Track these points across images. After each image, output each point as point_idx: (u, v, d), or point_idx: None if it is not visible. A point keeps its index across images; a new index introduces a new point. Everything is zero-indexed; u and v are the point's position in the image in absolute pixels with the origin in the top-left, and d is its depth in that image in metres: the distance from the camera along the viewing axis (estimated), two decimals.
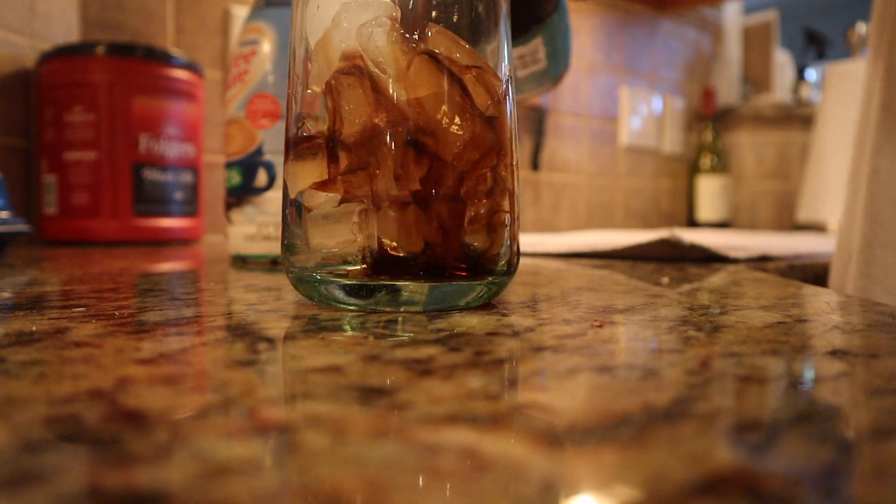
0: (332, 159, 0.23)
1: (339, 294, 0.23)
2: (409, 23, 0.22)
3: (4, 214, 0.49)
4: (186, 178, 0.71)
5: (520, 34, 0.38)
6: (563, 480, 0.09)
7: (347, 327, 0.20)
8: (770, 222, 1.54)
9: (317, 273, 0.23)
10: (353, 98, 0.22)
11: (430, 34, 0.22)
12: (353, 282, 0.22)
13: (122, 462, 0.09)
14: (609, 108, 1.43)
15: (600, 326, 0.20)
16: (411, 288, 0.22)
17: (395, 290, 0.22)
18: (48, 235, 0.67)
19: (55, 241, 0.66)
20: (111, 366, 0.15)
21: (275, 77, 0.41)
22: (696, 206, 1.55)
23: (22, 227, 0.50)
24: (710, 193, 1.52)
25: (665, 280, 0.35)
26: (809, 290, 0.32)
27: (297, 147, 0.24)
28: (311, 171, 0.23)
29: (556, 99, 1.32)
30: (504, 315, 0.22)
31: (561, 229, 1.32)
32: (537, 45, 0.38)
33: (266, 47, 0.42)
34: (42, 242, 0.67)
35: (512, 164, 0.25)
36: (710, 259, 0.50)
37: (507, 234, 0.24)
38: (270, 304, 0.25)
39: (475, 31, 0.24)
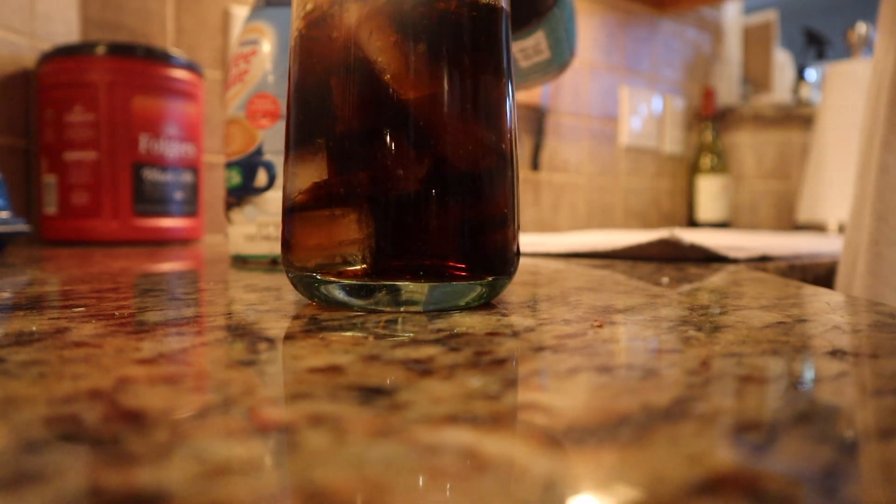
0: (333, 159, 0.23)
1: (339, 294, 0.23)
2: (408, 21, 0.22)
3: (4, 214, 0.49)
4: (186, 178, 0.71)
5: (521, 28, 0.38)
6: (563, 480, 0.09)
7: (347, 327, 0.20)
8: (770, 222, 1.54)
9: (317, 273, 0.23)
10: (352, 97, 0.22)
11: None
12: (353, 282, 0.22)
13: (122, 462, 0.09)
14: (609, 108, 1.43)
15: (600, 326, 0.20)
16: (411, 288, 0.22)
17: (395, 290, 0.22)
18: (48, 235, 0.67)
19: (55, 241, 0.66)
20: (111, 366, 0.15)
21: (275, 77, 0.41)
22: (696, 206, 1.55)
23: (22, 227, 0.50)
24: (710, 193, 1.52)
25: (665, 280, 0.35)
26: (809, 290, 0.32)
27: (297, 147, 0.24)
28: (311, 171, 0.23)
29: (556, 99, 1.32)
30: (504, 315, 0.22)
31: (561, 229, 1.32)
32: (539, 38, 0.38)
33: (266, 47, 0.42)
34: (42, 242, 0.67)
35: (512, 164, 0.25)
36: (710, 259, 0.50)
37: (506, 234, 0.24)
38: (270, 304, 0.25)
39: (475, 28, 0.24)
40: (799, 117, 1.51)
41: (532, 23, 0.38)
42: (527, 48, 0.39)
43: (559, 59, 0.41)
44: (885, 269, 0.49)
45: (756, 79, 1.69)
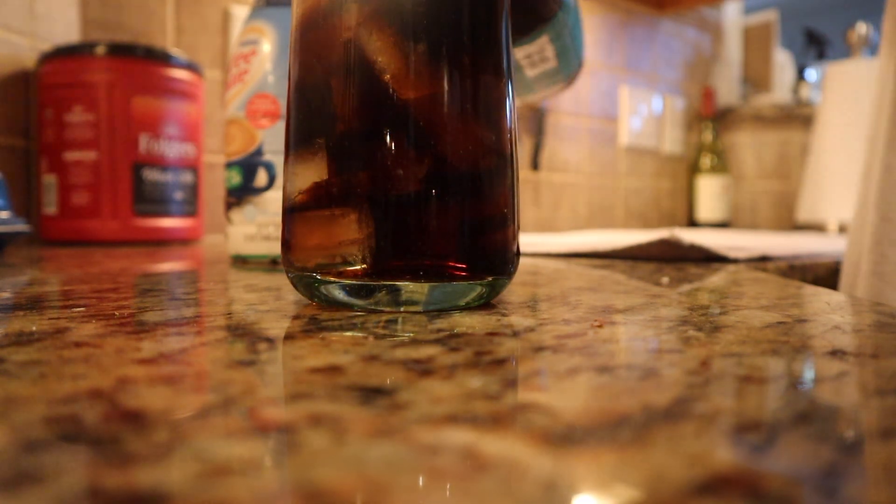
0: (333, 159, 0.23)
1: (339, 294, 0.23)
2: (408, 22, 0.22)
3: (4, 214, 0.49)
4: (186, 178, 0.71)
5: (525, 33, 0.38)
6: (563, 480, 0.09)
7: (347, 327, 0.20)
8: (770, 222, 1.54)
9: (317, 273, 0.23)
10: (352, 97, 0.22)
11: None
12: (353, 282, 0.22)
13: (122, 462, 0.09)
14: (609, 108, 1.43)
15: (600, 326, 0.20)
16: (411, 288, 0.22)
17: (395, 290, 0.22)
18: (48, 235, 0.67)
19: (55, 241, 0.66)
20: (111, 366, 0.15)
21: (275, 77, 0.41)
22: (696, 206, 1.55)
23: (22, 227, 0.50)
24: (710, 193, 1.52)
25: (665, 280, 0.35)
26: (809, 290, 0.32)
27: (297, 147, 0.24)
28: (311, 171, 0.23)
29: (555, 99, 1.32)
30: (504, 315, 0.22)
31: (561, 229, 1.32)
32: (544, 44, 0.38)
33: (266, 47, 0.42)
34: (42, 242, 0.67)
35: (512, 164, 0.25)
36: (710, 259, 0.50)
37: (506, 234, 0.24)
38: (270, 304, 0.25)
39: (475, 29, 0.24)
40: (799, 117, 1.51)
41: (536, 28, 0.38)
42: (532, 54, 0.39)
43: (566, 68, 0.40)
44: (889, 269, 0.49)
45: (756, 79, 1.69)
